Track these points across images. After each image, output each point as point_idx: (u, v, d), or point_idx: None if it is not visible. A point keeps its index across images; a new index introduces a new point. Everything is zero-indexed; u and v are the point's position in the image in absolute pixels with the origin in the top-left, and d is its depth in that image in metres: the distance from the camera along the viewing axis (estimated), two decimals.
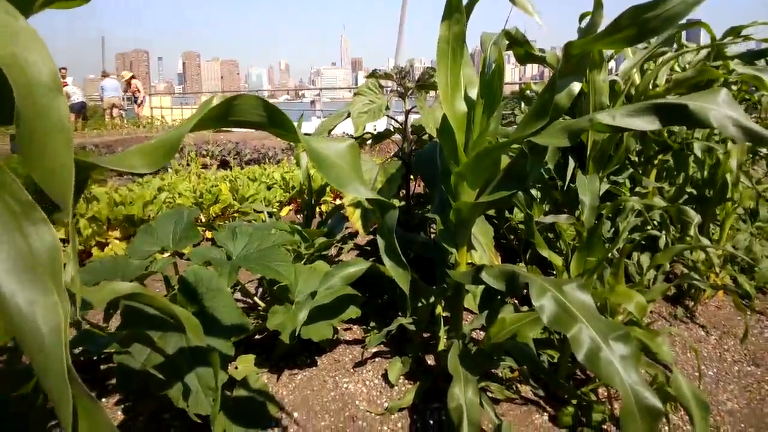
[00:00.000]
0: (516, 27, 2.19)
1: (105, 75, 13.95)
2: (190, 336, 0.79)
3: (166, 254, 1.70)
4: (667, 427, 1.52)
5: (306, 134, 0.80)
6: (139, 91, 14.28)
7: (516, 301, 2.05)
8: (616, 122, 1.10)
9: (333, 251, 2.33)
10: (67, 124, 0.48)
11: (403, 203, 2.19)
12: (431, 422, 1.45)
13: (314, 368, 1.67)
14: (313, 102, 18.65)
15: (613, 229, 2.39)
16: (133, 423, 1.38)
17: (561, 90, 1.26)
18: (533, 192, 2.36)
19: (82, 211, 2.89)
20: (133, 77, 14.48)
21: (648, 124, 1.09)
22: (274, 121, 0.71)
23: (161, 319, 1.28)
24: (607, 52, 2.26)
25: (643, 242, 2.55)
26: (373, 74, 2.23)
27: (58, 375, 0.43)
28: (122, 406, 1.44)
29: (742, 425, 1.56)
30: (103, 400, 1.47)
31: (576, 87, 1.27)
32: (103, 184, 3.69)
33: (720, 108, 1.04)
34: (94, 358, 1.59)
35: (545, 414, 1.53)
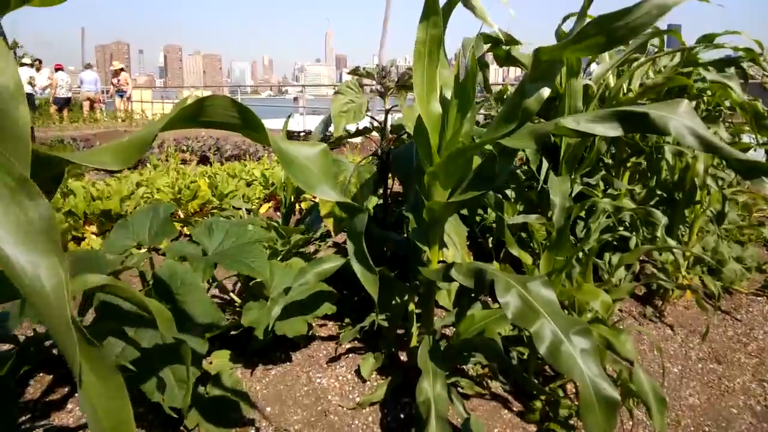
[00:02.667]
0: (499, 29, 2.24)
1: (88, 66, 13.57)
2: (161, 328, 0.81)
3: (143, 249, 1.71)
4: (630, 422, 1.58)
5: (288, 132, 0.82)
6: (127, 84, 13.82)
7: (490, 299, 2.10)
8: (580, 127, 1.14)
9: (311, 249, 2.35)
10: (27, 134, 0.51)
11: (380, 201, 2.22)
12: (402, 416, 1.49)
13: (288, 364, 1.70)
14: (296, 98, 18.57)
15: (586, 229, 2.45)
16: None
17: (530, 94, 1.29)
18: (508, 192, 2.40)
19: (58, 205, 2.86)
20: (122, 70, 13.82)
21: (610, 130, 1.13)
22: (246, 122, 0.74)
23: (136, 314, 1.29)
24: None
25: (616, 243, 2.61)
26: (355, 71, 2.25)
27: (63, 324, 0.49)
28: None
29: (702, 419, 1.63)
30: (75, 395, 1.47)
31: (545, 92, 1.30)
32: (80, 178, 3.65)
33: (679, 118, 1.09)
34: None
35: (514, 409, 1.57)
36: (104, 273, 1.44)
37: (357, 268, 1.05)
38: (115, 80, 13.69)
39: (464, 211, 2.53)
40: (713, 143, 1.06)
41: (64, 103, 12.18)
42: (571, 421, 1.51)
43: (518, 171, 2.53)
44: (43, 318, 0.50)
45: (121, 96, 13.73)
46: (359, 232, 0.97)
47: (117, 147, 0.77)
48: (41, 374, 1.58)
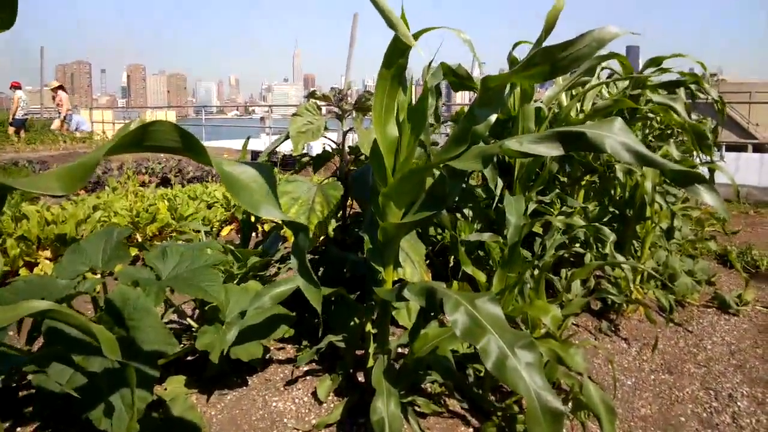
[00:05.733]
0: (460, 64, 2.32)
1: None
2: (105, 351, 0.80)
3: (97, 274, 1.68)
4: None
5: (254, 152, 0.83)
6: (61, 105, 12.91)
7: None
8: (523, 148, 1.19)
9: (272, 271, 2.34)
10: None
11: (340, 223, 2.24)
12: None
13: (244, 388, 1.68)
14: (263, 118, 18.49)
15: (542, 246, 2.51)
16: None
17: (479, 119, 1.35)
18: (466, 211, 2.45)
19: (10, 230, 2.78)
20: (60, 88, 13.03)
21: (551, 149, 1.19)
22: (187, 146, 0.75)
23: (85, 340, 1.27)
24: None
25: (572, 260, 2.68)
26: (312, 95, 2.28)
27: None
28: None
29: (652, 428, 1.68)
30: (18, 429, 1.42)
31: (493, 117, 1.36)
32: (35, 202, 3.55)
33: (614, 135, 1.15)
34: (13, 384, 1.54)
35: (470, 426, 1.59)
36: (55, 299, 1.42)
37: (301, 283, 1.06)
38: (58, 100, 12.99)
39: (431, 231, 2.57)
40: (647, 157, 1.12)
41: (20, 124, 11.67)
42: None
43: (477, 190, 2.59)
44: None
45: (58, 116, 13.03)
46: (303, 248, 0.98)
47: (61, 172, 0.77)
48: None
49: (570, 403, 1.66)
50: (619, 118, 1.19)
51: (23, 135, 11.44)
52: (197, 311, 2.12)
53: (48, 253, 2.85)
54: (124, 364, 0.93)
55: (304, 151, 2.25)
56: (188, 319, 1.86)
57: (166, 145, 0.78)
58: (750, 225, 4.50)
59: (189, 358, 1.77)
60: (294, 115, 2.15)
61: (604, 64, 2.82)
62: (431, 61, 1.96)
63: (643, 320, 2.54)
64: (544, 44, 1.67)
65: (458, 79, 2.18)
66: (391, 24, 1.28)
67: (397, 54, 1.39)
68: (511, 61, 2.58)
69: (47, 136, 11.63)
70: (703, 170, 3.07)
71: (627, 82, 2.97)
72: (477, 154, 1.29)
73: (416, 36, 1.46)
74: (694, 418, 1.74)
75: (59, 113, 13.01)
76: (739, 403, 1.82)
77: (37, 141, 11.04)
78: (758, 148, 8.67)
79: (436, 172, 1.60)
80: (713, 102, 3.08)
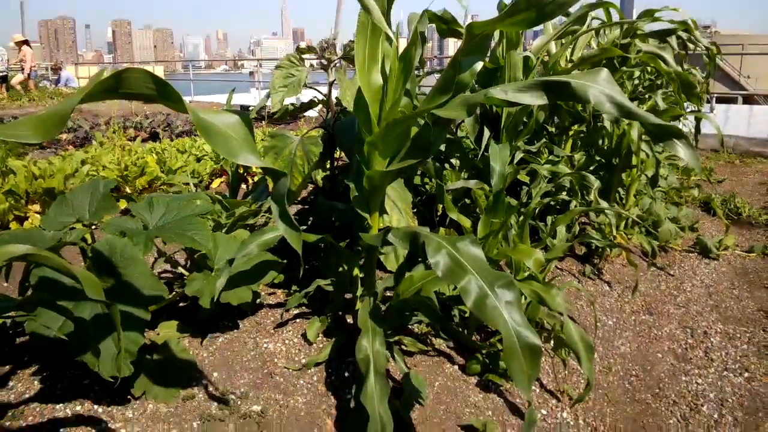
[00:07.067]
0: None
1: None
2: (89, 292, 0.83)
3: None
4: (566, 371, 1.69)
5: (243, 106, 0.83)
6: (24, 60, 12.11)
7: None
8: (508, 97, 1.19)
9: (262, 221, 2.37)
10: None
11: (328, 172, 2.25)
12: (345, 374, 1.55)
13: (236, 331, 1.73)
14: (252, 73, 18.06)
15: (528, 194, 2.54)
16: (51, 391, 1.39)
17: (464, 67, 1.34)
18: (453, 161, 2.47)
19: None
20: (25, 43, 12.14)
21: (536, 99, 1.19)
22: (162, 93, 0.75)
23: (76, 288, 1.29)
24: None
25: (559, 207, 2.72)
26: (298, 49, 2.25)
27: None
28: (39, 376, 1.45)
29: (630, 364, 1.76)
30: (18, 372, 1.47)
31: (478, 65, 1.35)
32: (22, 157, 3.52)
33: (598, 86, 1.15)
34: (9, 331, 1.58)
35: (456, 363, 1.66)
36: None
37: (282, 227, 1.08)
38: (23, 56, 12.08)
39: (419, 181, 2.59)
40: (630, 109, 1.13)
41: (1, 81, 11.22)
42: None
43: (465, 140, 2.59)
44: None
45: (21, 71, 12.17)
46: (282, 195, 0.99)
47: (35, 120, 0.78)
48: None
49: (552, 342, 1.73)
50: (605, 69, 1.18)
51: (5, 93, 11.03)
52: (189, 261, 2.15)
53: (37, 207, 2.85)
54: (105, 304, 0.95)
55: (293, 101, 2.23)
56: (180, 268, 1.89)
57: (140, 92, 0.78)
58: (735, 174, 4.55)
59: (181, 304, 1.82)
60: (276, 67, 2.11)
61: (594, 14, 2.78)
62: (423, 11, 1.93)
63: (627, 264, 2.60)
64: None
65: (445, 24, 2.15)
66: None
67: None
68: (502, 8, 2.53)
69: (33, 92, 11.28)
70: (690, 119, 3.08)
71: (618, 32, 2.94)
72: (461, 102, 1.28)
73: None
74: (670, 353, 1.82)
75: (22, 69, 12.32)
76: (712, 339, 1.91)
77: (23, 98, 10.76)
78: (748, 100, 8.65)
79: (422, 121, 1.61)
80: (704, 52, 3.06)
